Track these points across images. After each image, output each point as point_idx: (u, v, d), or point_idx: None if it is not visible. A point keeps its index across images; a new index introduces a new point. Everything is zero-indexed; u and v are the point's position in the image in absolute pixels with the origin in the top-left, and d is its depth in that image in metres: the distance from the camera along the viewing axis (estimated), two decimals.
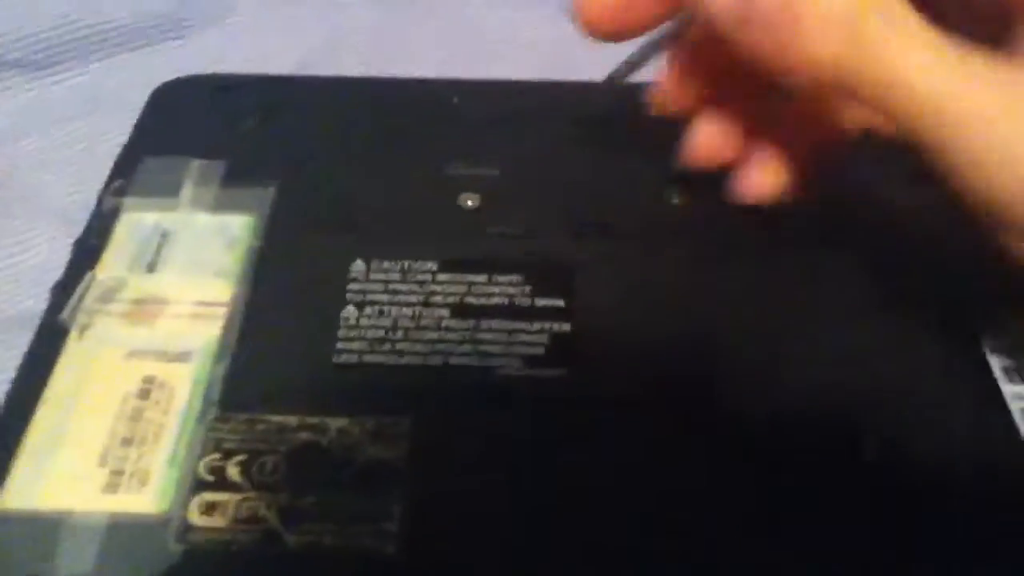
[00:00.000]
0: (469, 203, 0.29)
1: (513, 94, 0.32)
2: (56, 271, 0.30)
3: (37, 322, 0.28)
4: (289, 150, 0.30)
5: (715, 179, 0.29)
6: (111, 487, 0.22)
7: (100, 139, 0.35)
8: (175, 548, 0.21)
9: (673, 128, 0.31)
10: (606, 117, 0.32)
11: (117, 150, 0.34)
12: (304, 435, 0.23)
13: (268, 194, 0.28)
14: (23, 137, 0.35)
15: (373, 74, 0.36)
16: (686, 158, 0.26)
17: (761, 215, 0.28)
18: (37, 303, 0.29)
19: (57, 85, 0.37)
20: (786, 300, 0.26)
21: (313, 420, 0.23)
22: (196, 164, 0.29)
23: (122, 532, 0.21)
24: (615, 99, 0.32)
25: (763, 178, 0.25)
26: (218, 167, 0.29)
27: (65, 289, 0.26)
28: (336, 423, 0.23)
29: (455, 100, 0.32)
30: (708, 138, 0.25)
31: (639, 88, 0.30)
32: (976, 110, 0.18)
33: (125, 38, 0.38)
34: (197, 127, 0.31)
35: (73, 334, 0.25)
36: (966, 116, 0.18)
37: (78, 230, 0.31)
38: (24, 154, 0.34)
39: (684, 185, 0.29)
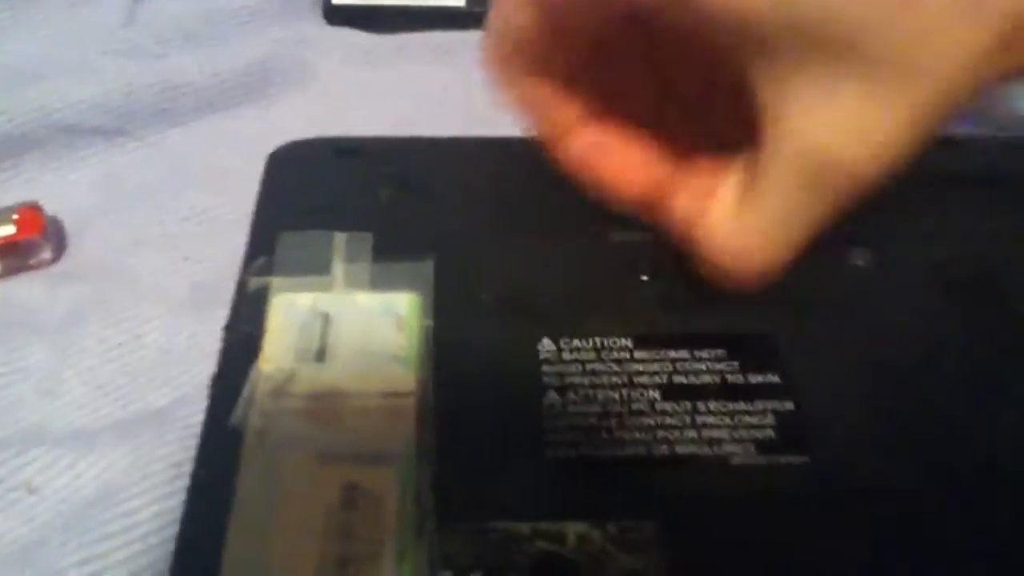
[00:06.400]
0: (644, 273, 0.26)
1: None
2: (174, 360, 0.27)
3: (163, 419, 0.26)
4: (438, 219, 0.28)
5: (896, 239, 0.28)
6: None
7: (189, 210, 0.32)
8: None
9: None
10: None
11: (210, 222, 0.32)
12: (542, 544, 0.20)
13: (427, 268, 0.26)
14: (110, 212, 0.32)
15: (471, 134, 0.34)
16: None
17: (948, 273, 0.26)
18: (158, 398, 0.26)
19: (135, 154, 0.34)
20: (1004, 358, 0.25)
21: (546, 526, 0.20)
22: (342, 237, 0.26)
23: None
24: None
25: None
26: (365, 240, 0.26)
27: (225, 384, 0.23)
28: (574, 529, 0.20)
29: None
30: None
31: None
32: None
33: (203, 103, 0.35)
34: (327, 195, 0.29)
35: (250, 438, 0.22)
36: None
37: (188, 313, 0.28)
38: (114, 231, 0.31)
39: (865, 246, 0.27)
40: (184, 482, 0.24)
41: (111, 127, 0.34)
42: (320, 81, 0.38)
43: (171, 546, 0.22)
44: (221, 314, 0.27)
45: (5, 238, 0.28)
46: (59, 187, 0.32)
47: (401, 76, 0.38)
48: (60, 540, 0.23)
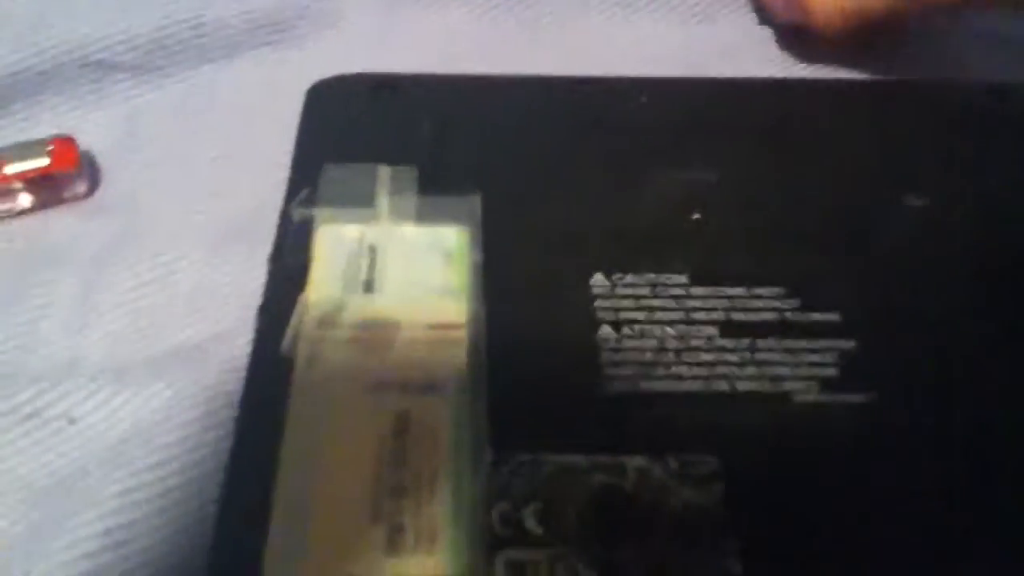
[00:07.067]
0: (695, 212, 0.26)
1: (706, 92, 0.30)
2: (209, 297, 0.27)
3: (200, 355, 0.25)
4: (482, 155, 0.27)
5: (951, 178, 0.27)
6: (393, 547, 0.18)
7: (221, 147, 0.31)
8: None
9: (895, 126, 0.29)
10: (812, 115, 0.29)
11: (241, 159, 0.31)
12: (600, 477, 0.20)
13: (474, 202, 0.25)
14: (141, 148, 0.31)
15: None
16: None
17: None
18: (195, 333, 0.26)
19: (166, 90, 0.33)
20: None
21: (605, 459, 0.20)
22: (386, 171, 0.26)
23: None
24: (817, 95, 0.30)
25: None
26: (410, 173, 0.26)
27: (271, 314, 0.22)
28: (633, 462, 0.20)
29: (643, 99, 0.29)
30: None
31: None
32: None
33: (234, 41, 0.34)
34: (368, 130, 0.28)
35: (299, 367, 0.21)
36: None
37: (222, 250, 0.28)
38: (146, 167, 0.30)
39: (919, 185, 0.27)
40: (222, 416, 0.23)
41: (141, 63, 0.33)
42: (349, 20, 0.36)
43: (215, 478, 0.22)
44: (256, 251, 0.27)
45: (39, 170, 0.28)
46: (90, 122, 0.31)
47: (433, 17, 0.37)
48: (100, 471, 0.22)
